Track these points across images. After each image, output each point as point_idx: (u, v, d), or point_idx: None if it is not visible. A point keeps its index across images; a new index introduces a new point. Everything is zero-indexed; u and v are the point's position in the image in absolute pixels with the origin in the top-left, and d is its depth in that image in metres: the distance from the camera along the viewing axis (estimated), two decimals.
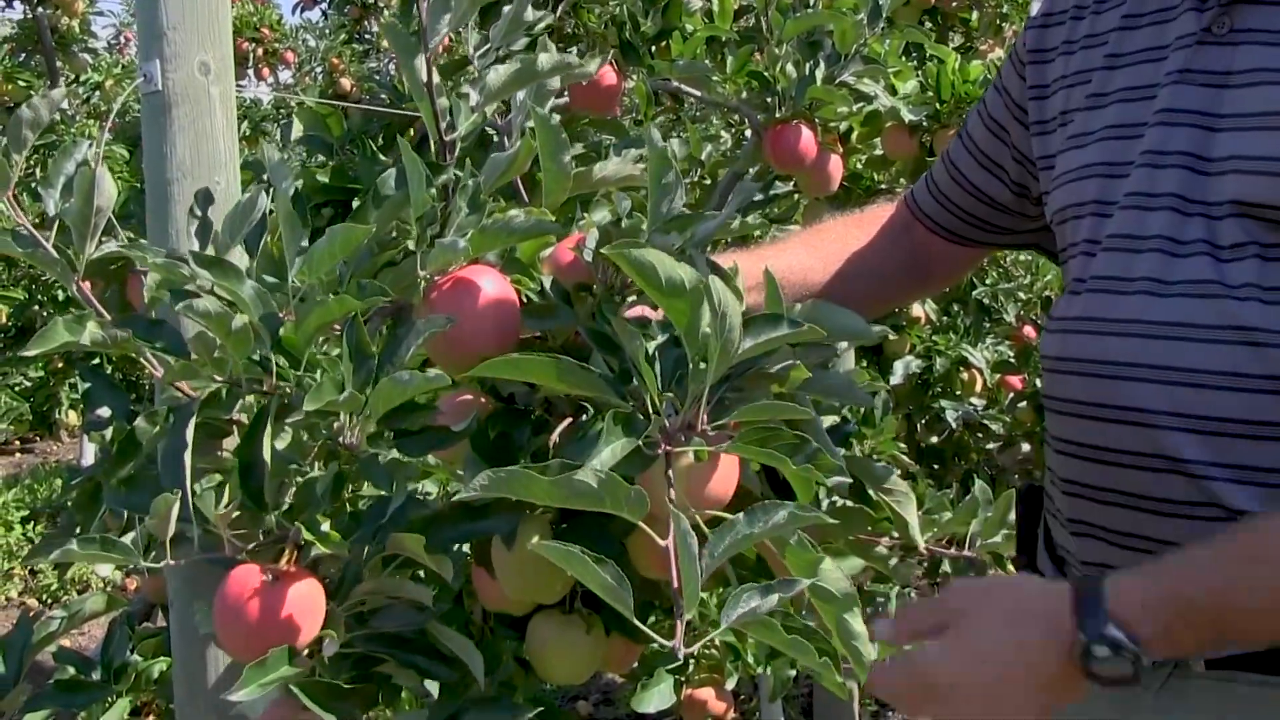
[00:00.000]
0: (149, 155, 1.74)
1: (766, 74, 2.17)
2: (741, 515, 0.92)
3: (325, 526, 1.04)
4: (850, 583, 1.02)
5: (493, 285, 1.09)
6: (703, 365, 0.92)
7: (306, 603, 1.05)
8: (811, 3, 2.47)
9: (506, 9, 1.22)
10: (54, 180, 1.23)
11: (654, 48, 2.23)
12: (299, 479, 1.08)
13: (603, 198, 1.31)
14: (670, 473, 0.97)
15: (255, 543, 1.09)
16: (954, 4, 3.76)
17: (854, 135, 2.49)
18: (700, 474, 1.00)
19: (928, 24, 4.00)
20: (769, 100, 2.18)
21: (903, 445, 2.94)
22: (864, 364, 3.56)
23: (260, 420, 1.04)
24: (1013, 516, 1.38)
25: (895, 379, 3.47)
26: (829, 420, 1.33)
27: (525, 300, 1.16)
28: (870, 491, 1.29)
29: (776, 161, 2.18)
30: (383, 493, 1.05)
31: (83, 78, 6.29)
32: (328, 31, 7.98)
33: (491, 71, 1.09)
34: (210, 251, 1.25)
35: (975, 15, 3.84)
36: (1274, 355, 1.02)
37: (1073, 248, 1.19)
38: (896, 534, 1.42)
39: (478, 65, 1.18)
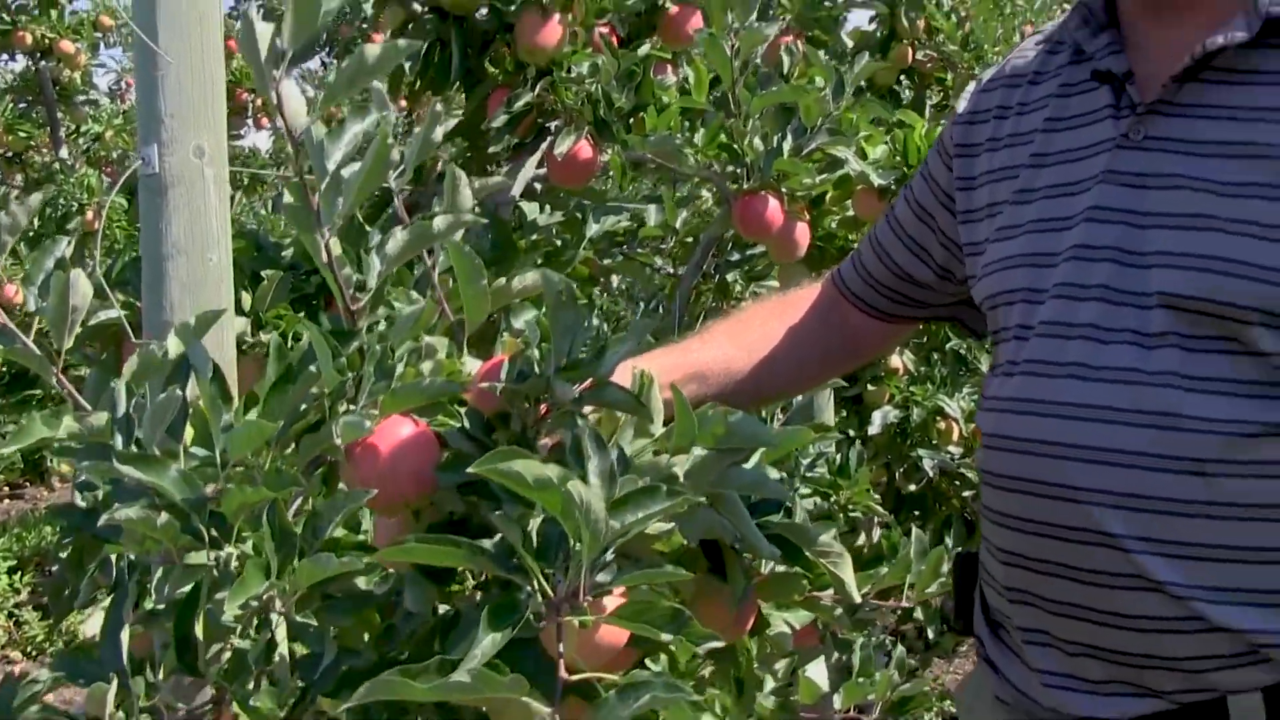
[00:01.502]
0: (145, 232, 1.84)
1: (735, 146, 2.27)
2: (614, 694, 0.99)
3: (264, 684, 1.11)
4: None
5: (410, 435, 1.16)
6: (577, 546, 1.00)
7: None
8: (786, 69, 2.59)
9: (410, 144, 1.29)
10: (34, 277, 1.31)
11: (630, 121, 2.34)
12: (233, 643, 1.14)
13: (526, 302, 1.40)
14: (561, 631, 1.04)
15: (192, 706, 1.17)
16: (929, 65, 3.88)
17: (827, 197, 2.60)
18: (588, 630, 1.07)
19: (905, 81, 4.12)
20: (738, 171, 2.28)
21: (878, 497, 3.04)
22: (844, 414, 3.66)
23: (194, 597, 1.10)
24: (947, 568, 1.47)
25: (874, 429, 3.57)
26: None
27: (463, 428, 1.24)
28: (807, 554, 1.37)
29: (744, 230, 2.28)
30: None
31: (83, 128, 6.39)
32: (326, 80, 8.09)
33: (390, 239, 1.17)
34: None
35: (950, 75, 3.95)
36: (1191, 438, 1.11)
37: (1005, 331, 1.28)
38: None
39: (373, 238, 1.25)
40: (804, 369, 1.54)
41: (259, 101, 6.73)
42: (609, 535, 1.01)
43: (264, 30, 1.00)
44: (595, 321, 4.14)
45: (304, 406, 1.12)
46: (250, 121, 6.93)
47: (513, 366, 1.21)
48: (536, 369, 1.20)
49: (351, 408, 1.10)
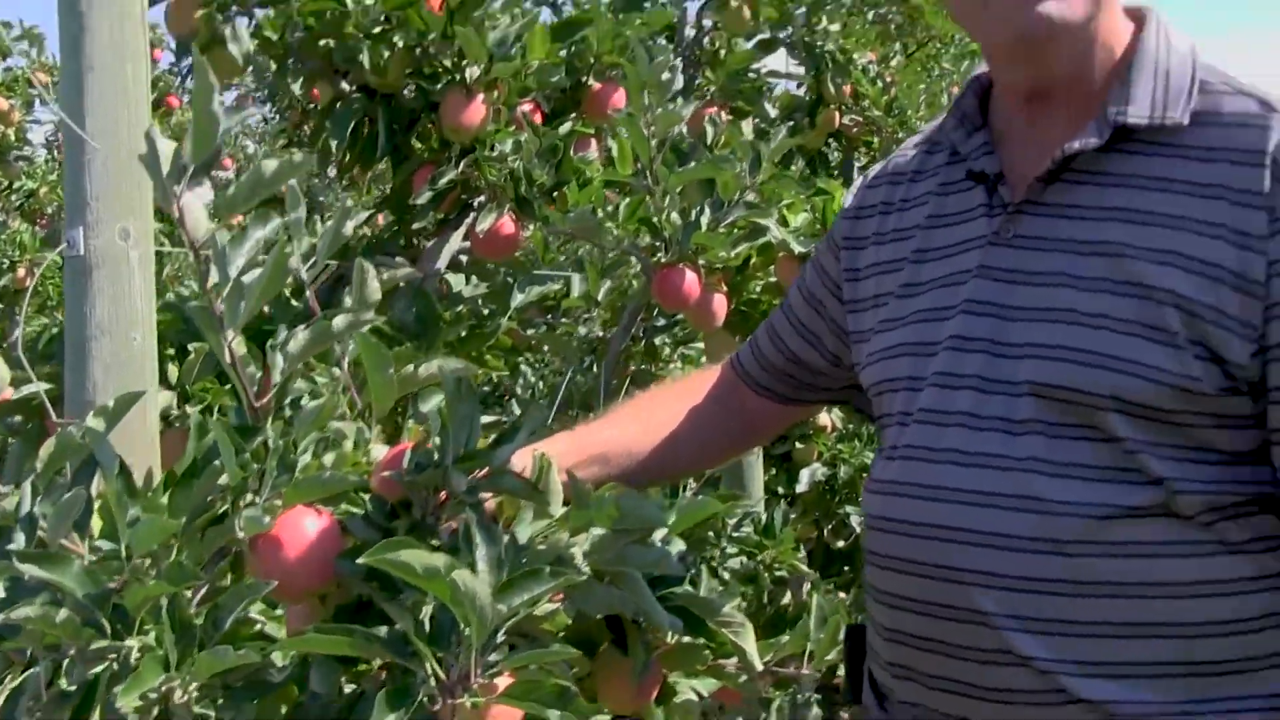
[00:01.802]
0: (70, 314, 1.88)
1: (655, 220, 2.34)
2: None
3: None
4: None
5: (311, 526, 1.20)
6: (467, 630, 1.06)
7: None
8: (710, 139, 2.67)
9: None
10: None
11: (554, 195, 2.41)
12: None
13: (434, 387, 1.45)
14: (454, 713, 1.10)
15: None
16: (855, 129, 4.00)
17: (750, 264, 2.68)
18: (480, 711, 1.11)
19: (833, 144, 4.24)
20: (657, 245, 2.35)
21: (803, 555, 3.11)
22: (773, 471, 3.74)
23: (94, 690, 1.11)
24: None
25: (802, 486, 3.66)
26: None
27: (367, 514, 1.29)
28: (709, 624, 1.43)
29: (663, 301, 2.36)
30: None
31: (15, 184, 6.36)
32: (267, 136, 8.10)
33: (292, 339, 1.23)
34: None
35: (876, 139, 4.07)
36: (1054, 521, 1.18)
37: (888, 417, 1.36)
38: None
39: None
40: (704, 450, 1.60)
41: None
42: (496, 619, 1.07)
43: (166, 148, 1.06)
44: (532, 381, 4.20)
45: (210, 498, 1.16)
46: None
47: (414, 456, 1.27)
48: (436, 458, 1.26)
49: (256, 500, 1.15)
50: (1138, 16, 1.30)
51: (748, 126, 3.40)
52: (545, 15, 3.01)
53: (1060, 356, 1.19)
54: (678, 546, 1.40)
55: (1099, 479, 1.18)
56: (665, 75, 2.18)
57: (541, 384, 4.19)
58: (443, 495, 1.24)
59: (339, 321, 1.24)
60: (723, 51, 3.28)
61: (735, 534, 2.89)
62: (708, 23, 3.40)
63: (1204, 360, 1.14)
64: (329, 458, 1.26)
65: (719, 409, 1.60)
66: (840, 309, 1.49)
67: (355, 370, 1.43)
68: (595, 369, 3.26)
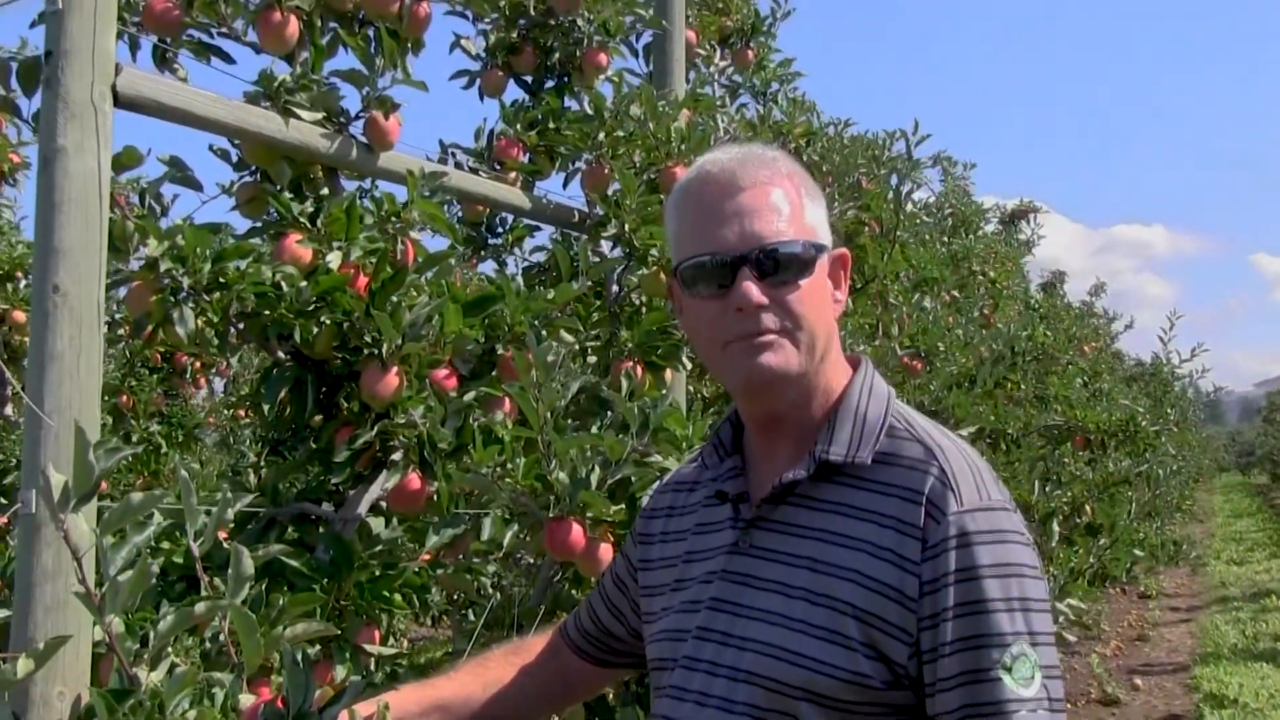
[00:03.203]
0: (20, 561, 2.19)
1: (548, 478, 2.66)
2: None
3: None
4: None
5: None
6: None
7: None
8: (624, 391, 3.01)
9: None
10: None
11: (462, 452, 2.74)
12: None
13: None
14: None
15: None
16: None
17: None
18: None
19: None
20: (549, 499, 2.67)
21: None
22: None
23: None
24: None
25: None
26: None
27: None
28: None
29: (553, 551, 2.65)
30: None
31: None
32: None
33: (164, 620, 1.55)
34: None
35: None
36: None
37: (657, 690, 1.65)
38: None
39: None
40: (526, 702, 1.88)
41: (197, 364, 7.21)
42: None
43: (57, 479, 1.40)
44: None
45: None
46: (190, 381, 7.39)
47: (264, 711, 1.57)
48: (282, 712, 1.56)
49: None
50: (854, 362, 1.64)
51: (669, 377, 3.77)
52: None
53: (769, 653, 1.48)
54: None
55: None
56: (550, 357, 2.53)
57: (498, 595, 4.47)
58: None
59: (200, 608, 1.54)
60: (643, 310, 3.66)
61: None
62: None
63: (873, 659, 1.43)
64: (191, 714, 1.55)
65: (542, 668, 1.89)
66: (639, 591, 1.79)
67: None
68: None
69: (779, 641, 1.48)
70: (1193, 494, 17.62)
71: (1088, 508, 6.63)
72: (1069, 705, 8.24)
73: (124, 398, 6.66)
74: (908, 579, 1.43)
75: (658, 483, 1.86)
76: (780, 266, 1.50)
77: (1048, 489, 5.99)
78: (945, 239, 8.53)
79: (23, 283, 6.42)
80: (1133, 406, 8.00)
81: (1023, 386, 6.94)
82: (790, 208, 1.53)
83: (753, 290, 1.49)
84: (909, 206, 6.25)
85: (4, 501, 5.80)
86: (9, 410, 6.79)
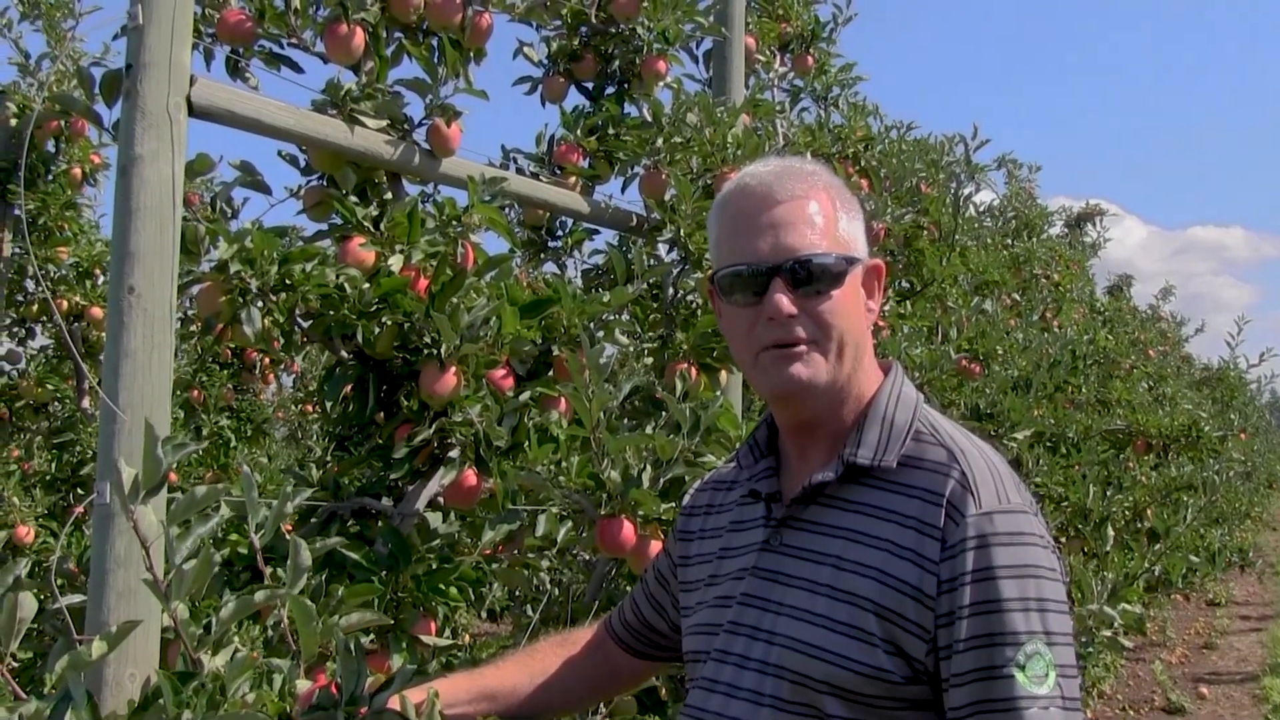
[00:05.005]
0: (95, 549, 2.31)
1: (600, 477, 2.74)
2: None
3: None
4: None
5: None
6: None
7: None
8: (678, 393, 3.08)
9: None
10: None
11: (511, 452, 2.82)
12: None
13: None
14: None
15: None
16: None
17: None
18: None
19: None
20: (602, 497, 2.74)
21: None
22: None
23: None
24: None
25: None
26: None
27: None
28: None
29: (604, 547, 2.73)
30: None
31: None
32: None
33: (225, 607, 1.64)
34: None
35: None
36: None
37: (691, 682, 1.72)
38: None
39: None
40: (571, 692, 1.95)
41: (266, 361, 7.39)
42: None
43: (128, 473, 1.49)
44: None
45: None
46: (258, 376, 7.57)
47: (318, 695, 1.66)
48: (335, 698, 1.65)
49: None
50: (886, 368, 1.69)
51: (725, 378, 3.84)
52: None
53: (795, 647, 1.54)
54: None
55: None
56: (602, 359, 2.60)
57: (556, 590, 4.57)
58: None
59: (259, 596, 1.63)
60: (698, 312, 3.72)
61: None
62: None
63: (892, 655, 1.48)
64: (250, 697, 1.64)
65: (588, 660, 1.96)
66: (679, 586, 1.86)
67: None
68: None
69: (805, 637, 1.54)
70: (1264, 501, 17.32)
71: (1148, 513, 6.58)
72: (1131, 712, 8.19)
73: (195, 393, 6.84)
74: (927, 578, 1.48)
75: (698, 481, 1.93)
76: (812, 277, 1.56)
77: (1108, 493, 5.95)
78: (1008, 242, 8.50)
79: (101, 280, 6.65)
80: (1195, 411, 7.91)
81: (1084, 390, 6.90)
82: (824, 220, 1.59)
83: (784, 300, 1.55)
84: (969, 210, 6.25)
85: (83, 492, 6.02)
86: (86, 403, 7.02)
